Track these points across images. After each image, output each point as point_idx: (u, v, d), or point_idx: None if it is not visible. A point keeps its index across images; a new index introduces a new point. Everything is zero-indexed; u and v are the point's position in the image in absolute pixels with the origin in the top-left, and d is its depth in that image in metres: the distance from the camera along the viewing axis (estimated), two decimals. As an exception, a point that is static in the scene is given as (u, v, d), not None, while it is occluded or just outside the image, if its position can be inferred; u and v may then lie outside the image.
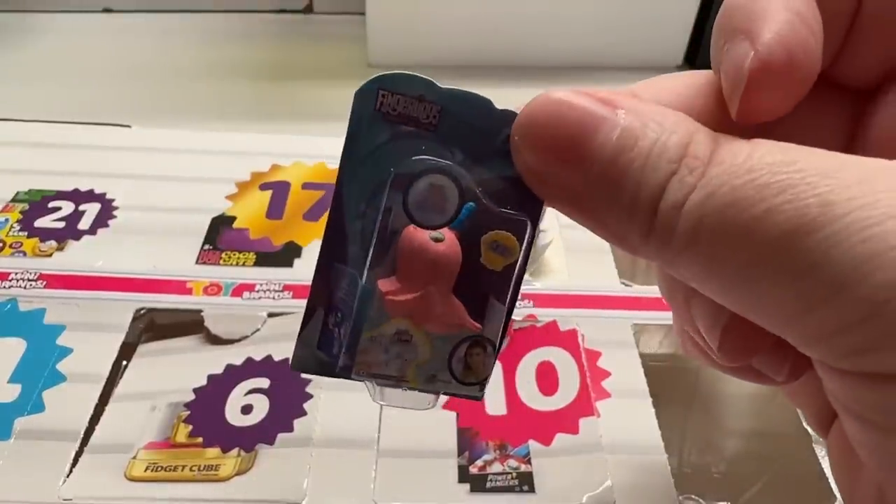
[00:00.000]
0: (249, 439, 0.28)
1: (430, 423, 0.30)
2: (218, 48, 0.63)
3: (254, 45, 0.64)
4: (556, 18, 0.62)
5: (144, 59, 0.61)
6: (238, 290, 0.34)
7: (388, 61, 0.61)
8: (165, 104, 0.54)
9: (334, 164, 0.43)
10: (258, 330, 0.32)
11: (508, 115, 0.17)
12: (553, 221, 0.40)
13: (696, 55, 0.65)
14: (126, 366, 0.31)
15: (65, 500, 0.26)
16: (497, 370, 0.32)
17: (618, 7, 0.62)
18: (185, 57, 0.61)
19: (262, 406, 0.30)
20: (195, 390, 0.30)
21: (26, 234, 0.36)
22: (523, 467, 0.28)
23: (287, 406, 0.29)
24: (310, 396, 0.30)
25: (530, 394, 0.31)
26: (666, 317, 0.35)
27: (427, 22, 0.61)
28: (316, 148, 0.43)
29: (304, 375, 0.30)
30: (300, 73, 0.61)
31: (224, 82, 0.58)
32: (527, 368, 0.33)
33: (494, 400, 0.31)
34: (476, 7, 0.61)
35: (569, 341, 0.33)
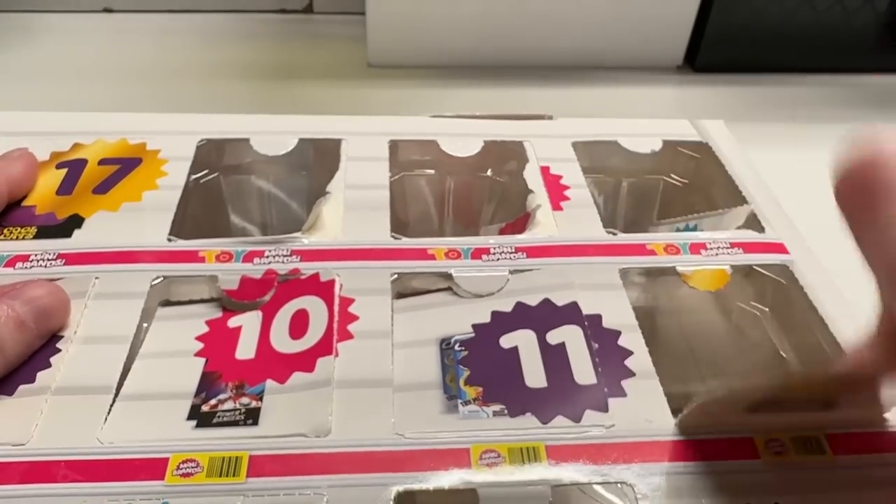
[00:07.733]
0: None
1: (177, 368, 0.31)
2: (218, 48, 0.65)
3: (254, 45, 0.66)
4: (556, 18, 0.63)
5: (144, 59, 0.63)
6: (11, 262, 0.35)
7: (388, 61, 0.61)
8: (165, 104, 0.55)
9: (136, 140, 0.43)
10: None
11: None
12: (340, 183, 0.41)
13: (696, 55, 0.65)
14: None
15: None
16: (256, 320, 0.34)
17: (618, 7, 0.63)
18: (185, 57, 0.63)
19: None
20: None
21: None
22: (254, 403, 0.30)
23: (34, 359, 0.31)
24: (57, 351, 0.31)
25: (280, 339, 0.33)
26: (429, 265, 0.36)
27: (427, 22, 0.61)
28: (120, 124, 0.44)
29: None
30: (300, 73, 0.61)
31: (224, 82, 0.59)
32: (283, 316, 0.34)
33: (246, 345, 0.33)
34: (476, 7, 0.62)
35: (326, 291, 0.35)
